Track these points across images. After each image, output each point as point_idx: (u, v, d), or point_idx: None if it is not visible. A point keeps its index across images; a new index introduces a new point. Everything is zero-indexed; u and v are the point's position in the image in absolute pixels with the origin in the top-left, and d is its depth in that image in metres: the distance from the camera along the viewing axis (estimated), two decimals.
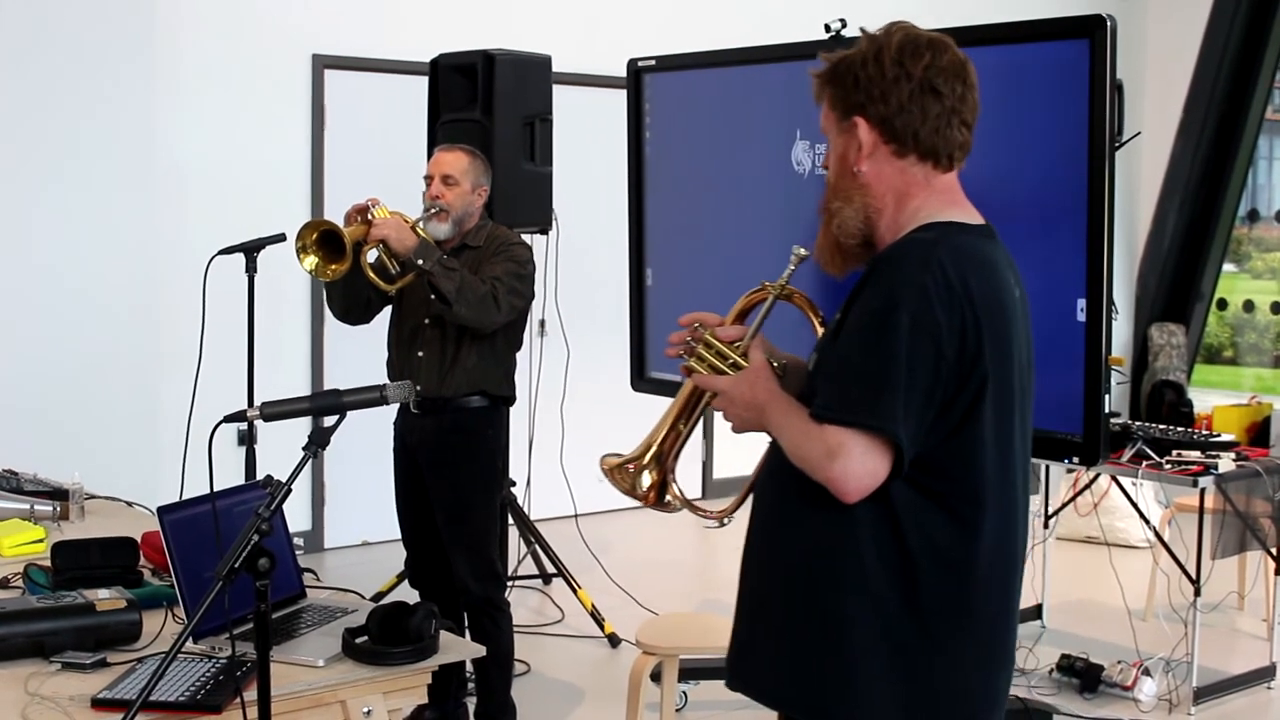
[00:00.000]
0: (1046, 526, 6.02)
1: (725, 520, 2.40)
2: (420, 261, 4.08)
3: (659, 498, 2.33)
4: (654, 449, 2.34)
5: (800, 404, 2.18)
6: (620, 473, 2.34)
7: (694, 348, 2.31)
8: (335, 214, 6.75)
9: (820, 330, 2.32)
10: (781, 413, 2.18)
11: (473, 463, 4.33)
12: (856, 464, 2.05)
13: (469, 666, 4.56)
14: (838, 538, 2.13)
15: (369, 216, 4.15)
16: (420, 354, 4.29)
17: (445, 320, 4.22)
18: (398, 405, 4.18)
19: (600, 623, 5.71)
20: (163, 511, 3.05)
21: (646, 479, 2.33)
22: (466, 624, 4.41)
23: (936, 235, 2.15)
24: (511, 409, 4.56)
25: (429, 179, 4.35)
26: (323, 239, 4.12)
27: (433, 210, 4.28)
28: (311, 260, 4.11)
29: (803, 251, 2.32)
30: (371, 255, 4.24)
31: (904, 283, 2.07)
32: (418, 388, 4.18)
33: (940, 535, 2.11)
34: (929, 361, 2.04)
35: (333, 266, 4.10)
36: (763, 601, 2.25)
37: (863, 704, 2.13)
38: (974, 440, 2.10)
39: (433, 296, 4.12)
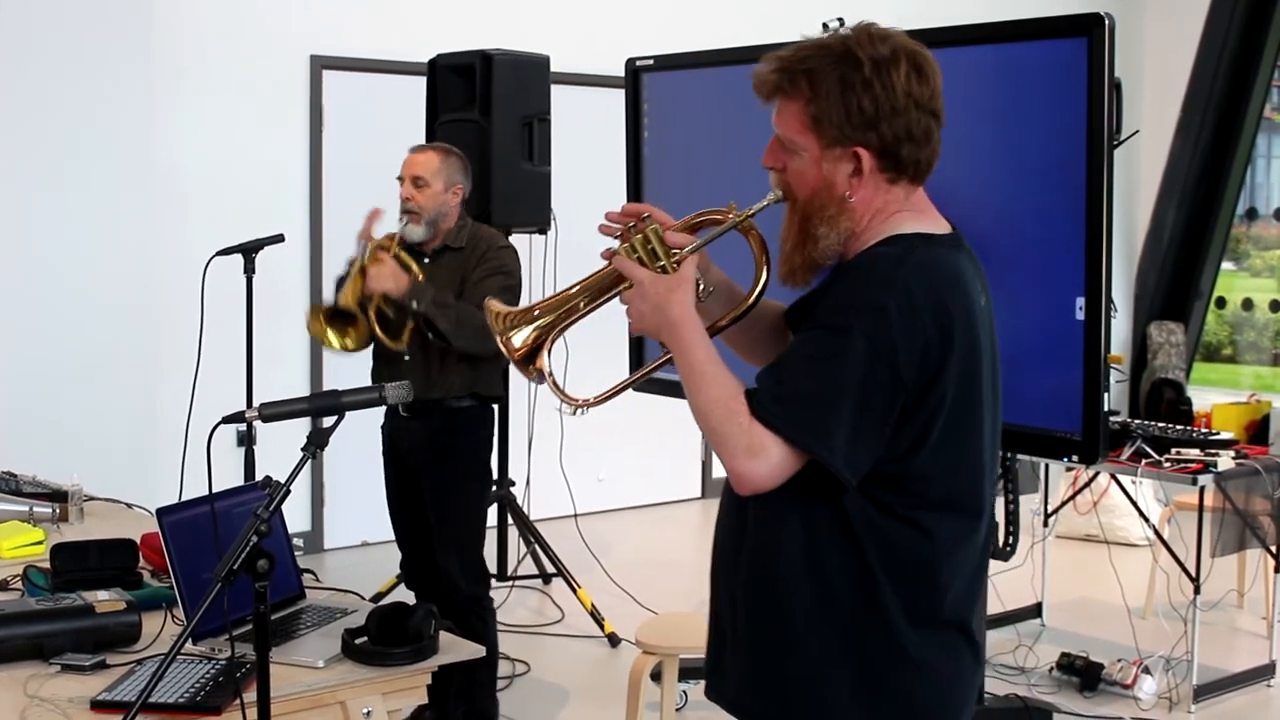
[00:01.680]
0: (1046, 525, 6.02)
1: (582, 411, 2.32)
2: (415, 304, 4.07)
3: (527, 360, 2.21)
4: (544, 312, 2.23)
5: (716, 353, 2.12)
6: (503, 318, 2.22)
7: (630, 234, 2.21)
8: (333, 213, 6.77)
9: (765, 276, 2.23)
10: (696, 346, 2.11)
11: (464, 464, 4.33)
12: (768, 469, 2.01)
13: None
14: (796, 549, 2.11)
15: (362, 268, 4.14)
16: (406, 358, 4.27)
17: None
18: (384, 408, 4.19)
19: (600, 622, 5.71)
20: (162, 513, 3.05)
21: (521, 335, 2.20)
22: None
23: (903, 250, 2.09)
24: (511, 410, 4.56)
25: (401, 181, 4.33)
26: (330, 317, 4.16)
27: (405, 211, 4.28)
28: (335, 339, 4.16)
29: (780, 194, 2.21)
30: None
31: (866, 302, 2.02)
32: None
33: (899, 546, 2.09)
34: (884, 388, 2.00)
35: (352, 330, 4.15)
36: (730, 613, 2.24)
37: (828, 715, 2.12)
38: (933, 455, 2.07)
39: (430, 335, 4.12)
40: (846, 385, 1.99)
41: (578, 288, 2.24)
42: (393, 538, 4.60)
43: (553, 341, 2.24)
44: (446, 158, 4.34)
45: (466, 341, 4.11)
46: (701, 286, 2.21)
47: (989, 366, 2.15)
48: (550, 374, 2.25)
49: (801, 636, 2.12)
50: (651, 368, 2.29)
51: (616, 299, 2.24)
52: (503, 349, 2.23)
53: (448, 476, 4.32)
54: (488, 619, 4.40)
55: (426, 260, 4.32)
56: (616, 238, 2.23)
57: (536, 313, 2.23)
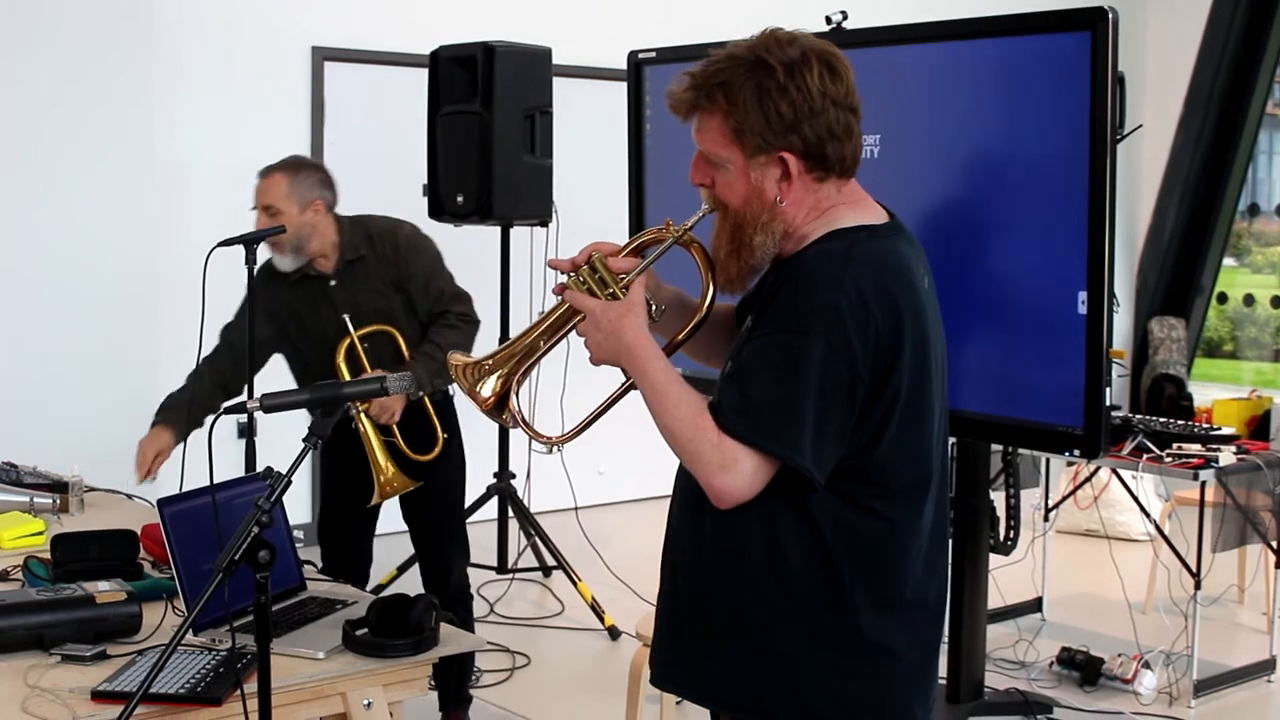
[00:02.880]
0: (1046, 519, 6.02)
1: (556, 449, 2.37)
2: (421, 393, 3.99)
3: (497, 407, 2.26)
4: (507, 358, 2.26)
5: (676, 372, 2.15)
6: (468, 371, 2.26)
7: (580, 269, 2.25)
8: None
9: (713, 286, 2.26)
10: (655, 369, 2.14)
11: (449, 459, 4.25)
12: (745, 481, 2.05)
13: None
14: (759, 546, 2.14)
15: (366, 411, 4.02)
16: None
17: (373, 343, 4.09)
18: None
19: (600, 615, 5.71)
20: (163, 504, 3.05)
21: (490, 385, 2.25)
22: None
23: (848, 246, 2.12)
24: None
25: (255, 210, 4.11)
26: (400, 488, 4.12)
27: (269, 246, 4.07)
28: (404, 482, 4.09)
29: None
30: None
31: (818, 304, 2.05)
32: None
33: (861, 535, 2.13)
34: (844, 387, 2.04)
35: (398, 478, 4.08)
36: (689, 604, 2.26)
37: (802, 702, 2.16)
38: (892, 444, 2.11)
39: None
40: (808, 389, 2.03)
41: (533, 328, 2.29)
42: (392, 530, 4.57)
43: (519, 385, 2.29)
44: (295, 176, 4.10)
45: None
46: (654, 307, 2.25)
47: (937, 349, 2.20)
48: (521, 416, 2.31)
49: (771, 630, 2.15)
50: (614, 396, 2.33)
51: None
52: (472, 401, 2.27)
53: (438, 475, 4.23)
54: (470, 607, 4.44)
55: (333, 284, 4.11)
56: (567, 273, 2.27)
57: (493, 363, 2.27)
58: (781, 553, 2.12)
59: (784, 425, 2.03)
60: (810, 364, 2.02)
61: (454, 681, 4.40)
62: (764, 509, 2.11)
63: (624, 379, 2.25)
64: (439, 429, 4.16)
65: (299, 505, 6.81)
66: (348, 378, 4.02)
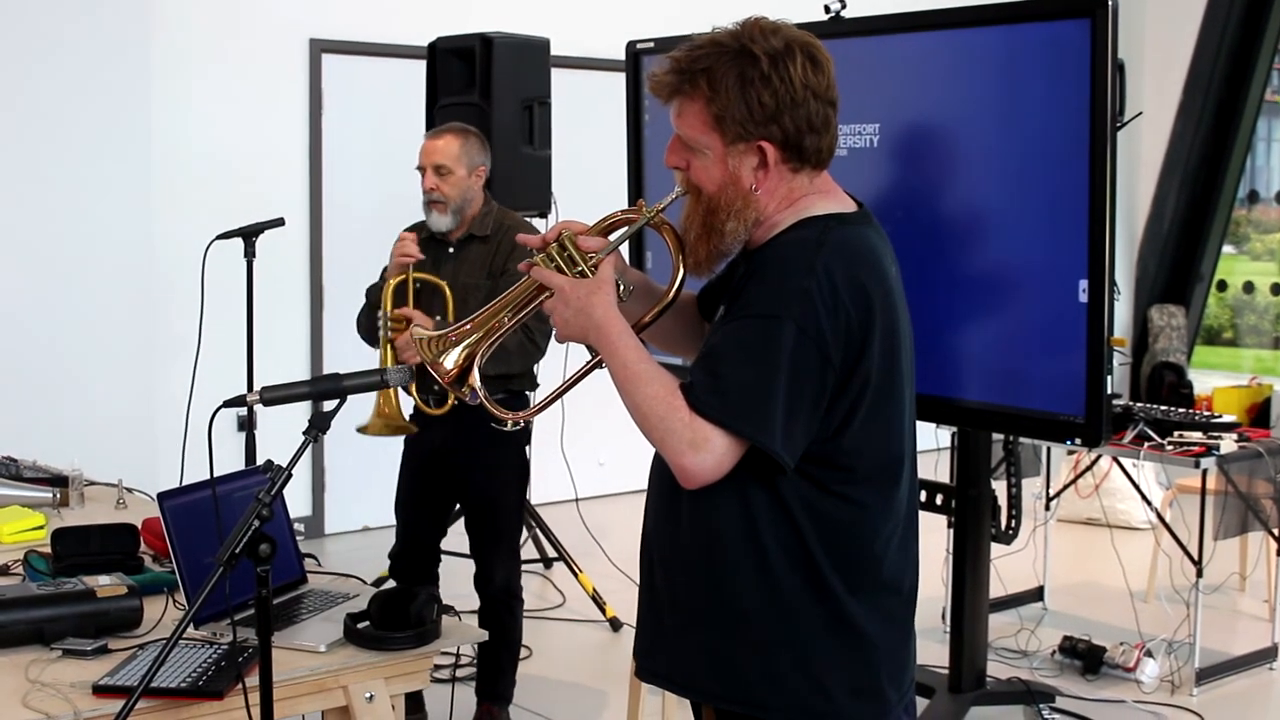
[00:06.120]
0: (1048, 508, 6.02)
1: (516, 425, 2.36)
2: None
3: (458, 380, 2.25)
4: (471, 331, 2.26)
5: (646, 350, 2.16)
6: (432, 343, 2.25)
7: (549, 247, 2.25)
8: (332, 197, 6.75)
9: (683, 269, 2.27)
10: (625, 346, 2.15)
11: (506, 457, 4.26)
12: (714, 461, 2.06)
13: (474, 649, 4.55)
14: (735, 531, 2.15)
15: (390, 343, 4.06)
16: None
17: (430, 294, 4.13)
18: (413, 404, 4.16)
19: (602, 606, 5.71)
20: (163, 497, 3.04)
21: (453, 357, 2.24)
22: (478, 613, 4.37)
23: (818, 233, 2.13)
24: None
25: (422, 170, 4.20)
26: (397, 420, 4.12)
27: (429, 202, 4.17)
28: (402, 426, 4.10)
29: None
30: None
31: (789, 289, 2.07)
32: (435, 386, 4.11)
33: (834, 520, 2.14)
34: (815, 371, 2.05)
35: (398, 418, 4.09)
36: (668, 595, 2.27)
37: (780, 688, 2.17)
38: (861, 430, 2.12)
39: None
40: (779, 371, 2.04)
41: (499, 304, 2.28)
42: (394, 522, 4.57)
43: (482, 359, 2.28)
44: (466, 140, 4.20)
45: (508, 365, 4.05)
46: (622, 287, 2.25)
47: (906, 336, 2.22)
48: (482, 390, 2.29)
49: (748, 617, 2.16)
50: (579, 374, 2.32)
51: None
52: (434, 373, 2.26)
53: (490, 471, 4.25)
54: (516, 610, 4.38)
55: (451, 250, 4.23)
56: (535, 250, 2.27)
57: (457, 335, 2.27)
58: (757, 537, 2.13)
59: (755, 407, 2.04)
60: (782, 347, 2.03)
61: (490, 675, 4.38)
62: (738, 494, 2.13)
63: (589, 357, 2.25)
64: (450, 396, 4.11)
65: (299, 499, 6.82)
66: (390, 310, 4.07)
